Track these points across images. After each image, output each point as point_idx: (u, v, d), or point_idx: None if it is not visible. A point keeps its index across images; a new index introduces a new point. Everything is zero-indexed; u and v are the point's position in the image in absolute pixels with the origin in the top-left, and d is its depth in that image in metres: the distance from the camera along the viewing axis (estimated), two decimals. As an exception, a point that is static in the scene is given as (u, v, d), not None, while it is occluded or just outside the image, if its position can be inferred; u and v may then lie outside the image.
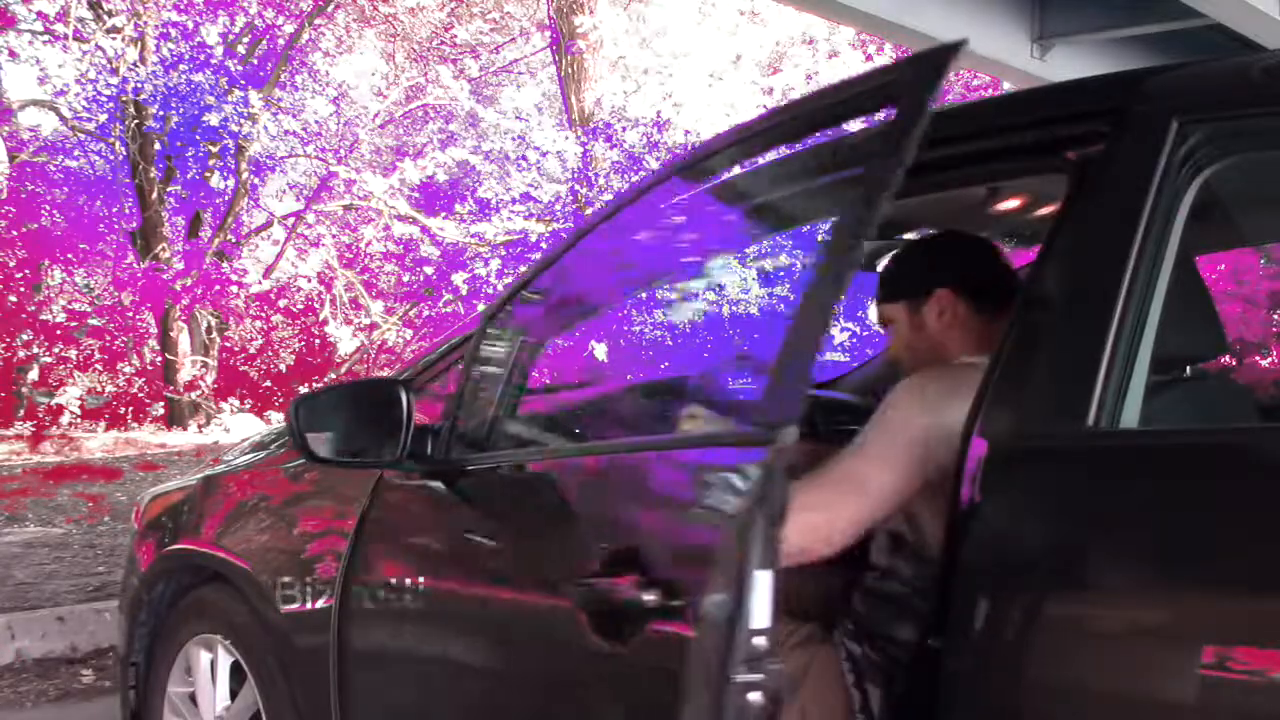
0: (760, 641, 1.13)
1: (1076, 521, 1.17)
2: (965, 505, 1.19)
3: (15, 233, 11.55)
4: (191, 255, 11.84)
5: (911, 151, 1.12)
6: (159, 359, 12.38)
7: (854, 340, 11.70)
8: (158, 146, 11.86)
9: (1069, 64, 8.51)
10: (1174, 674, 1.07)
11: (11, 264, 11.37)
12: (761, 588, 1.13)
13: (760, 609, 1.13)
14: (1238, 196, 1.62)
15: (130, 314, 11.97)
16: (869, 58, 14.14)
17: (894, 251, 2.23)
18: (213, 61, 11.36)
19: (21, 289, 11.29)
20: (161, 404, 12.43)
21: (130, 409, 12.25)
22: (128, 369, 12.42)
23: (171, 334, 12.20)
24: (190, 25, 11.71)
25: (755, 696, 1.12)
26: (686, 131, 12.10)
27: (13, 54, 11.29)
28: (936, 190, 1.54)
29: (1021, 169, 1.42)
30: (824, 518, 1.45)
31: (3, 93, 12.03)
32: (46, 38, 11.39)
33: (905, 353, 1.80)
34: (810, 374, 1.19)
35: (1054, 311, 1.25)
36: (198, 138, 11.34)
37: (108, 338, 11.84)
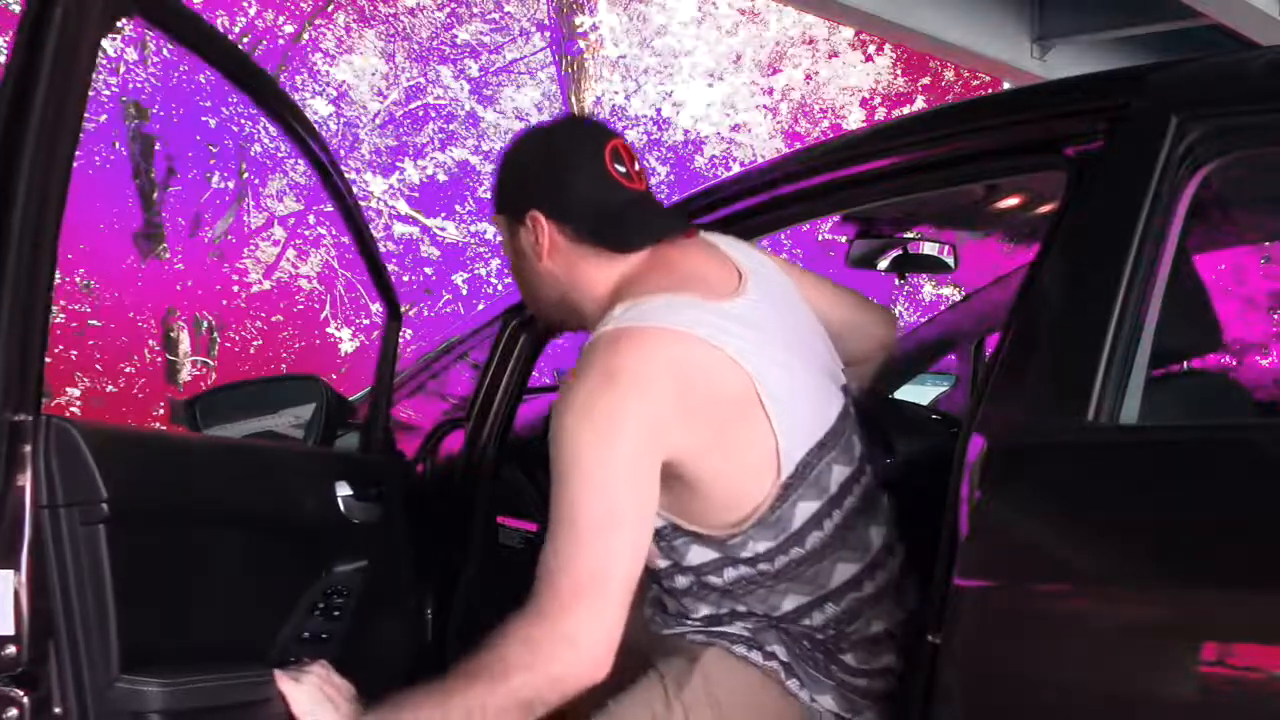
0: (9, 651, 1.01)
1: (1076, 517, 1.17)
2: (963, 501, 1.19)
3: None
4: (191, 255, 11.84)
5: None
6: (159, 359, 12.38)
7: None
8: (158, 146, 11.86)
9: (1069, 64, 8.50)
10: (1174, 671, 1.07)
11: (12, 264, 11.36)
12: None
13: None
14: (1237, 194, 1.62)
15: (130, 314, 11.96)
16: (869, 58, 14.13)
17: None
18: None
19: (21, 289, 11.27)
20: (162, 404, 12.42)
21: (130, 409, 12.24)
22: (128, 369, 12.40)
23: (171, 334, 12.20)
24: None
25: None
26: (686, 131, 12.11)
27: (13, 54, 11.28)
28: (935, 188, 1.54)
29: (1020, 166, 1.42)
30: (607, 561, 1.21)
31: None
32: (46, 38, 11.37)
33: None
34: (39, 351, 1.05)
35: (1054, 307, 1.25)
36: (197, 138, 11.35)
37: (108, 338, 11.83)
